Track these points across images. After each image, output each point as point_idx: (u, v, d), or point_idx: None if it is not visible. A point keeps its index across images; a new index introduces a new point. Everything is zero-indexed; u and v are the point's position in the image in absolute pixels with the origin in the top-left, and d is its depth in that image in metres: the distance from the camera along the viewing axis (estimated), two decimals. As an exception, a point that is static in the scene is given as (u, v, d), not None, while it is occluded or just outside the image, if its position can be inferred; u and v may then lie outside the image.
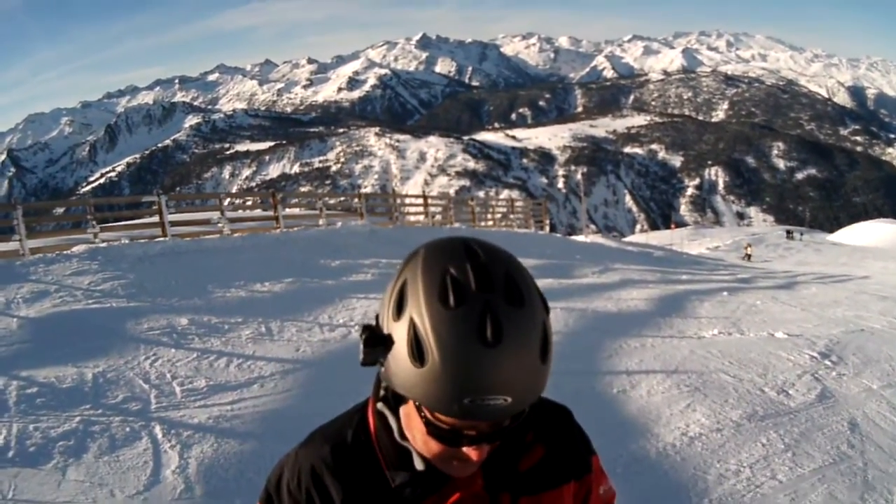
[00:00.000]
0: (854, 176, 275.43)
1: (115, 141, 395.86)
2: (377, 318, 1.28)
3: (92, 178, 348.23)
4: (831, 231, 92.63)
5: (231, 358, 8.42)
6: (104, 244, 15.32)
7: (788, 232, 71.47)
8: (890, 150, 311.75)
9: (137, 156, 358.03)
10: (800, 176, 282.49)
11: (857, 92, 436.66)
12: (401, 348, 1.18)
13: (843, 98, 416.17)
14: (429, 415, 1.22)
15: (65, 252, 13.89)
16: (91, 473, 5.42)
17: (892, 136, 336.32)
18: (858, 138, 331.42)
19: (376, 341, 1.23)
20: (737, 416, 7.19)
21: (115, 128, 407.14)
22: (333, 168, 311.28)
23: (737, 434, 6.74)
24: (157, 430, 6.26)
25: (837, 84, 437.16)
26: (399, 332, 1.20)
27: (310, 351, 9.01)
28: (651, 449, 6.42)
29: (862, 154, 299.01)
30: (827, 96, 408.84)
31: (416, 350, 1.16)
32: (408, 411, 1.30)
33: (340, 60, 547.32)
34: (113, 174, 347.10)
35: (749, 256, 44.06)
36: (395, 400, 1.34)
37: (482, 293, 1.18)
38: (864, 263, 38.10)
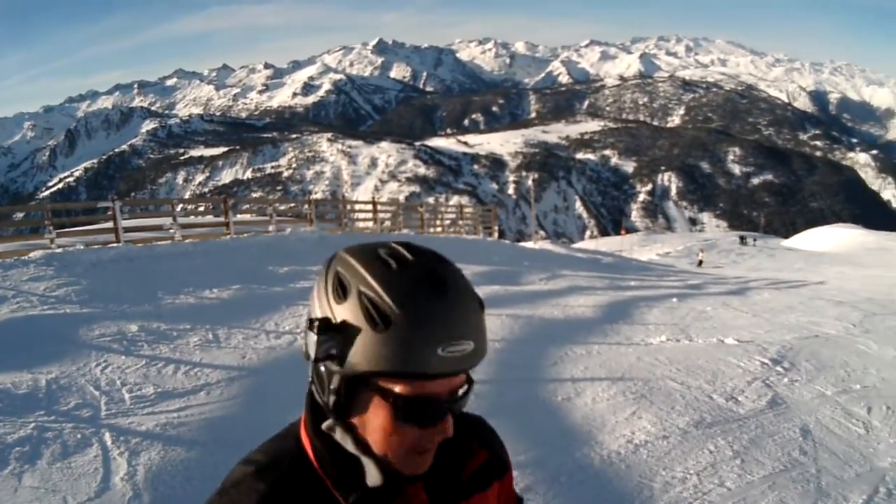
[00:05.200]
0: (812, 181, 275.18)
1: (74, 146, 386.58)
2: (311, 320, 1.24)
3: (51, 183, 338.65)
4: (787, 236, 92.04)
5: (179, 365, 8.33)
6: (60, 249, 15.03)
7: (742, 237, 70.93)
8: (851, 154, 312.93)
9: (95, 161, 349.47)
10: (756, 181, 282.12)
11: (818, 97, 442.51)
12: (358, 323, 1.16)
13: (804, 103, 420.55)
14: (400, 389, 1.17)
15: (22, 258, 13.62)
16: (45, 479, 5.36)
17: (854, 140, 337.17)
18: (819, 143, 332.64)
19: (329, 328, 1.19)
20: (684, 423, 7.08)
21: (75, 132, 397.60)
22: (285, 174, 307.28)
23: (683, 441, 6.61)
24: (107, 436, 6.20)
25: (799, 89, 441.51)
26: (350, 309, 1.18)
27: (256, 358, 8.94)
28: (595, 457, 6.33)
29: (821, 159, 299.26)
30: (787, 101, 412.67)
31: (377, 314, 1.15)
32: (364, 416, 1.23)
33: (297, 65, 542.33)
34: (71, 179, 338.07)
35: (701, 262, 43.75)
36: (343, 409, 1.25)
37: (416, 257, 1.23)
38: (820, 269, 38.12)
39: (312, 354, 1.22)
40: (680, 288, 18.73)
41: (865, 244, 66.03)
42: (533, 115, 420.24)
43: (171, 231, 19.28)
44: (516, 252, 26.86)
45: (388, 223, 30.13)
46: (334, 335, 1.18)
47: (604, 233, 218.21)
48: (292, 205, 41.89)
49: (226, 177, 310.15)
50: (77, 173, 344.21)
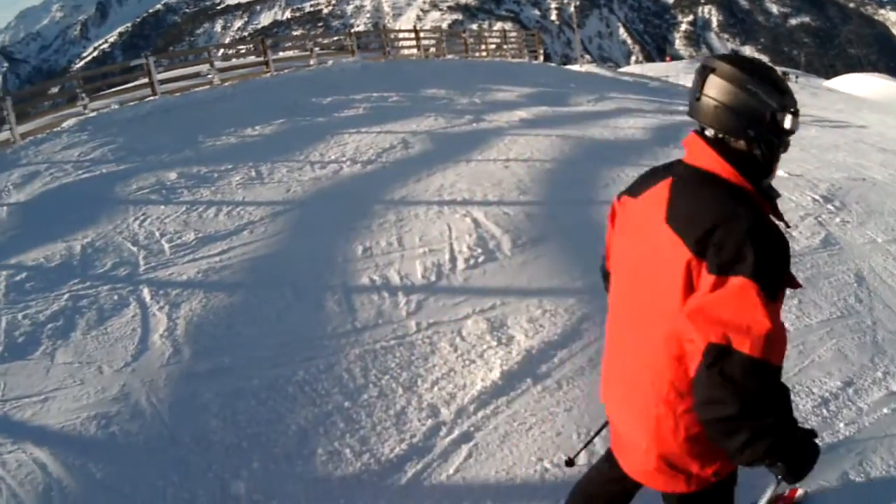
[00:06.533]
0: (847, 29, 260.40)
1: (106, 15, 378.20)
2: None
3: (85, 54, 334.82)
4: (827, 77, 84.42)
5: (220, 206, 7.69)
6: (94, 114, 14.36)
7: (784, 73, 67.46)
8: (882, 11, 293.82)
9: (129, 25, 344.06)
10: (793, 22, 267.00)
11: None
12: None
13: None
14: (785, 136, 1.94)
15: (55, 129, 12.99)
16: (79, 353, 4.82)
17: None
18: None
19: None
20: None
21: (106, 2, 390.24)
22: (325, 10, 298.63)
23: None
24: (146, 293, 5.64)
25: None
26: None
27: (300, 190, 8.30)
28: None
29: (854, 10, 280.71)
30: None
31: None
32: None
33: None
34: (105, 46, 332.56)
35: None
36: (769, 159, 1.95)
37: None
38: (861, 113, 35.00)
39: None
40: None
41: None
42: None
43: (210, 76, 18.39)
44: (563, 74, 25.82)
45: (432, 49, 28.78)
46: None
47: (649, 59, 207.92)
48: (335, 38, 40.58)
49: (264, 20, 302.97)
50: (111, 39, 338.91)
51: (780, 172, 8.45)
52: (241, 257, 6.28)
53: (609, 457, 2.42)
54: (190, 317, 5.16)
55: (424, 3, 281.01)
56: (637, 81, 28.08)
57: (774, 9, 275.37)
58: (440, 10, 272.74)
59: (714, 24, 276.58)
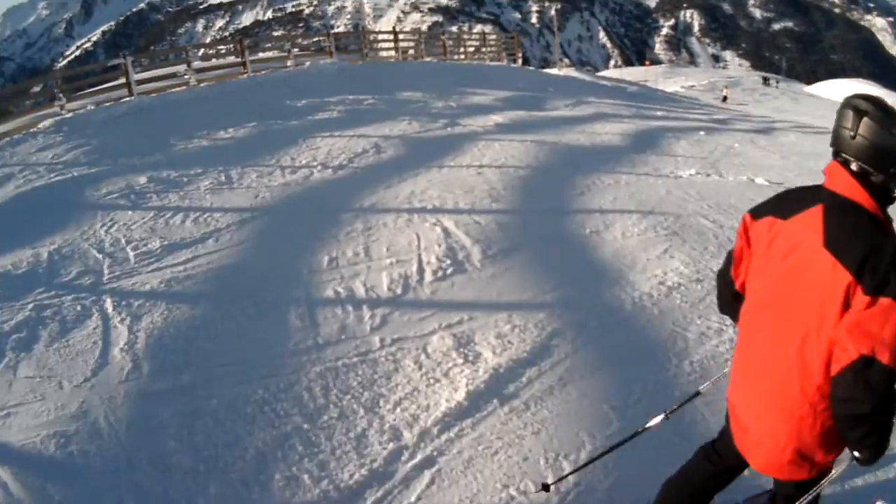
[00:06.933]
0: (831, 35, 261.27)
1: (90, 13, 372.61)
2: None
3: (68, 52, 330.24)
4: (808, 83, 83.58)
5: (188, 213, 7.53)
6: (70, 114, 14.10)
7: (765, 78, 66.32)
8: (868, 17, 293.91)
9: (112, 23, 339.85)
10: (776, 27, 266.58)
11: None
12: None
13: None
14: None
15: (31, 130, 12.73)
16: (41, 366, 4.66)
17: (871, 4, 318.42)
18: (836, 0, 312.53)
19: None
20: (718, 266, 6.10)
21: (91, 0, 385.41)
22: (307, 11, 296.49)
23: None
24: (108, 303, 5.48)
25: None
26: None
27: (269, 197, 8.15)
28: (626, 299, 5.59)
29: (840, 16, 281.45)
30: None
31: None
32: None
33: None
34: (89, 45, 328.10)
35: (725, 98, 41.30)
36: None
37: None
38: None
39: None
40: (706, 121, 17.73)
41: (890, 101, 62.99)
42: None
43: (187, 77, 18.16)
44: (541, 78, 25.67)
45: (411, 52, 28.62)
46: None
47: (628, 63, 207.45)
48: (314, 40, 40.27)
49: (246, 19, 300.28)
50: (94, 38, 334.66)
51: (760, 180, 8.43)
52: (205, 267, 6.14)
53: (711, 456, 2.83)
54: (151, 330, 5.02)
55: (405, 4, 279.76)
56: (616, 86, 28.07)
57: (758, 13, 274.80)
58: (421, 11, 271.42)
59: (696, 28, 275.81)
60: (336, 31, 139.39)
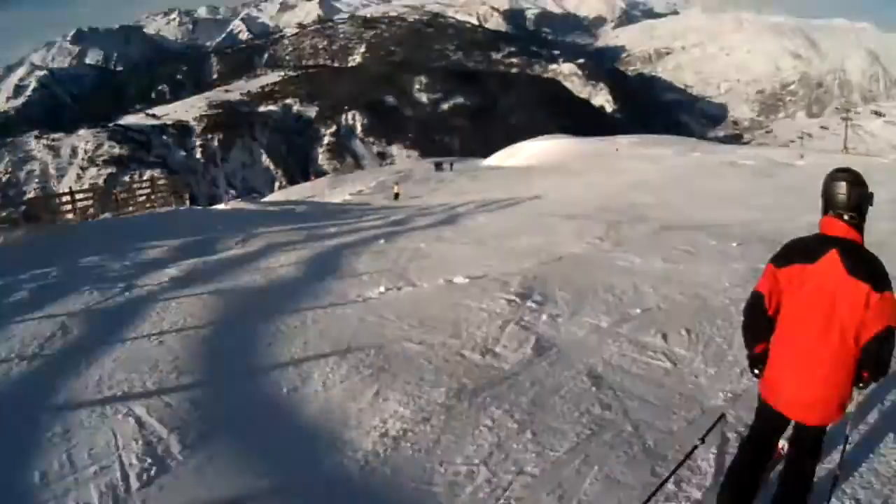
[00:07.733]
0: (508, 99, 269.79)
1: None
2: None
3: None
4: (485, 156, 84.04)
5: None
6: None
7: (437, 164, 66.87)
8: (554, 66, 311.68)
9: None
10: (445, 106, 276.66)
11: (514, 15, 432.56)
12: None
13: (496, 23, 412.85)
14: None
15: None
16: None
17: (557, 52, 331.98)
18: (515, 59, 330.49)
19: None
20: (441, 396, 5.51)
21: None
22: (3, 179, 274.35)
23: (450, 420, 5.10)
24: None
25: (491, 10, 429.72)
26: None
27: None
28: (350, 465, 4.65)
29: (517, 75, 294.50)
30: (479, 23, 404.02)
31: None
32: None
33: (9, 70, 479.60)
34: None
35: (398, 195, 40.08)
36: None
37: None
38: (531, 183, 35.69)
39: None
40: (384, 226, 17.02)
41: (579, 152, 63.27)
42: (215, 76, 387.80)
43: None
44: (209, 216, 24.20)
45: (91, 210, 26.87)
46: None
47: (292, 181, 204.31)
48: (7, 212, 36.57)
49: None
50: None
51: (459, 279, 7.99)
52: None
53: (758, 450, 3.72)
54: None
55: (83, 160, 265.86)
56: (284, 209, 26.89)
57: (424, 98, 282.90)
58: (97, 165, 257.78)
59: (358, 129, 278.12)
60: (29, 196, 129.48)
